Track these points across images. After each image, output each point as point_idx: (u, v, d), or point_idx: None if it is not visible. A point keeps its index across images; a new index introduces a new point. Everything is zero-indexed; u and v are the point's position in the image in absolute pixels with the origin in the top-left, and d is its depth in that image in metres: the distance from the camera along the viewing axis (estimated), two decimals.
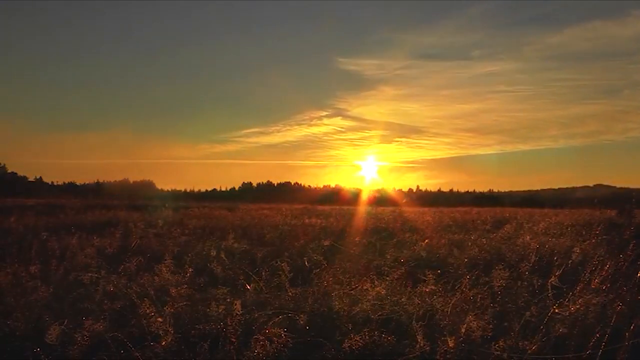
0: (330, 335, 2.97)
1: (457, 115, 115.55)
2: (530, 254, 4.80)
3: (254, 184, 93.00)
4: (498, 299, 3.49)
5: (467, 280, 3.75)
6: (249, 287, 4.08)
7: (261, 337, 2.65)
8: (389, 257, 5.60)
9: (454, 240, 7.11)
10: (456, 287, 3.71)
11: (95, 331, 2.74)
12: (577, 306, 2.92)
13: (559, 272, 3.68)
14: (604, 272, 3.70)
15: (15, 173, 71.22)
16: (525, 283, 3.84)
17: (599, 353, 2.45)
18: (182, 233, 7.97)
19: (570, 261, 4.50)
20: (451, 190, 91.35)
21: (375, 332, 2.80)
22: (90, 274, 4.06)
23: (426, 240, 6.95)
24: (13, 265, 4.43)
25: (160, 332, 2.70)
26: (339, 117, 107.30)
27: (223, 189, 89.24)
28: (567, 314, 2.88)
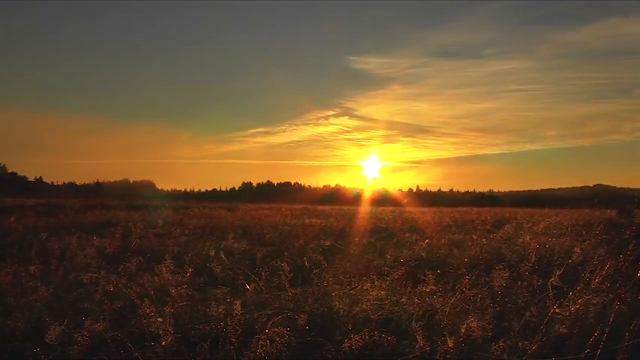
0: (330, 335, 2.97)
1: (465, 115, 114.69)
2: (530, 254, 4.80)
3: (254, 184, 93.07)
4: (498, 299, 3.49)
5: (467, 280, 3.75)
6: (249, 287, 4.08)
7: (262, 337, 2.65)
8: (389, 257, 5.60)
9: (454, 240, 7.11)
10: (456, 287, 3.71)
11: (95, 331, 2.74)
12: (577, 306, 2.92)
13: (559, 272, 3.68)
14: (604, 272, 3.70)
15: (15, 173, 71.32)
16: (525, 283, 3.84)
17: (599, 353, 2.45)
18: (182, 233, 7.97)
19: (570, 261, 4.50)
20: (451, 190, 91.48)
21: (375, 332, 2.80)
22: (90, 274, 4.06)
23: (426, 240, 6.95)
24: (13, 265, 4.43)
25: (160, 332, 2.70)
26: (346, 117, 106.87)
27: (223, 189, 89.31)
28: (567, 314, 2.88)
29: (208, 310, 3.15)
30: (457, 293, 3.51)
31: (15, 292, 3.71)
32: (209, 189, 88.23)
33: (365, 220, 12.13)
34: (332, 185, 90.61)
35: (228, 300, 3.38)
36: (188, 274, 4.24)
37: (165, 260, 4.28)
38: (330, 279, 4.13)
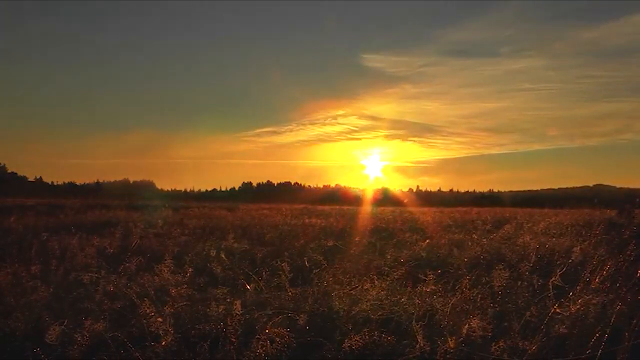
0: (330, 335, 2.97)
1: (475, 114, 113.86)
2: (531, 254, 4.80)
3: (254, 184, 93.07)
4: (498, 299, 3.48)
5: (467, 280, 3.75)
6: (249, 287, 4.08)
7: (262, 337, 2.65)
8: (389, 257, 5.60)
9: (454, 240, 7.11)
10: (456, 287, 3.71)
11: (95, 331, 2.74)
12: (577, 306, 2.92)
13: (559, 272, 3.68)
14: (604, 272, 3.70)
15: (15, 173, 71.38)
16: (526, 283, 3.84)
17: (599, 353, 2.44)
18: (182, 233, 7.97)
19: (570, 261, 4.49)
20: (451, 190, 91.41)
21: (375, 332, 2.80)
22: (90, 274, 4.06)
23: (426, 240, 6.95)
24: (13, 265, 4.43)
25: (160, 332, 2.70)
26: (355, 116, 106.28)
27: (223, 188, 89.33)
28: (567, 314, 2.88)
29: (208, 310, 3.15)
30: (457, 293, 3.51)
31: (15, 292, 3.71)
32: (209, 189, 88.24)
33: (366, 220, 12.13)
34: (332, 185, 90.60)
35: (228, 300, 3.38)
36: (188, 274, 4.24)
37: (165, 260, 4.28)
38: (330, 279, 4.13)
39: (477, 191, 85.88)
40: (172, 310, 3.03)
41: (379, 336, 2.78)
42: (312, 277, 4.24)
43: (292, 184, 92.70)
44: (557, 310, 2.91)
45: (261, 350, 2.57)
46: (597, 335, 2.52)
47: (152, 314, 2.85)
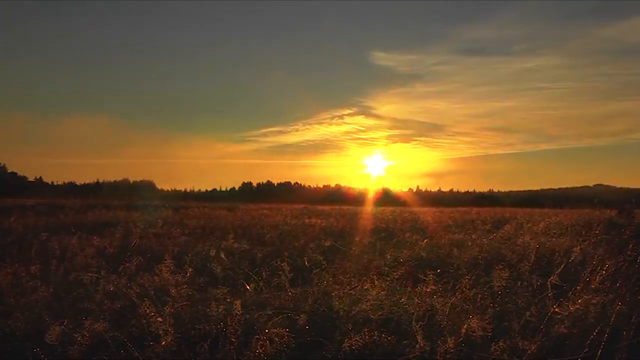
0: (330, 335, 2.97)
1: (484, 114, 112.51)
2: (530, 254, 4.80)
3: (254, 184, 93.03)
4: (498, 299, 3.49)
5: (467, 280, 3.75)
6: (249, 287, 4.08)
7: (262, 337, 2.65)
8: (389, 257, 5.60)
9: (454, 240, 7.11)
10: (456, 287, 3.71)
11: (95, 331, 2.74)
12: (577, 306, 2.92)
13: (559, 271, 3.68)
14: (604, 272, 3.70)
15: (15, 173, 71.34)
16: (525, 283, 3.84)
17: (599, 353, 2.45)
18: (182, 233, 7.97)
19: (570, 261, 4.49)
20: (451, 190, 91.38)
21: (375, 332, 2.80)
22: (90, 274, 4.06)
23: (426, 240, 6.95)
24: (13, 265, 4.43)
25: (160, 332, 2.70)
26: (362, 116, 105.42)
27: (223, 188, 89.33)
28: (567, 314, 2.88)
29: (208, 310, 3.15)
30: (457, 293, 3.51)
31: (15, 292, 3.71)
32: (209, 189, 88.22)
33: (365, 220, 12.13)
34: (332, 185, 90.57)
35: (228, 300, 3.38)
36: (188, 274, 4.24)
37: (165, 260, 4.28)
38: (330, 279, 4.13)
39: (477, 191, 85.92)
40: (172, 310, 3.03)
41: (379, 336, 2.78)
42: (312, 277, 4.24)
43: (292, 184, 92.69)
44: (557, 310, 2.92)
45: (261, 350, 2.57)
46: (597, 335, 2.52)
47: (152, 314, 2.85)
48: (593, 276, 3.68)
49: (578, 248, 4.84)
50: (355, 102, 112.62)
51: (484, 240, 6.77)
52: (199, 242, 6.89)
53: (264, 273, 4.24)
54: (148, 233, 7.74)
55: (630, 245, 4.37)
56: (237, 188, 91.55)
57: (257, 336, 2.68)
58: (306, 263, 4.91)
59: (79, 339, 2.63)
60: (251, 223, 10.53)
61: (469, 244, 6.62)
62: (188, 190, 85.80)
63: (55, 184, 78.36)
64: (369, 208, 22.53)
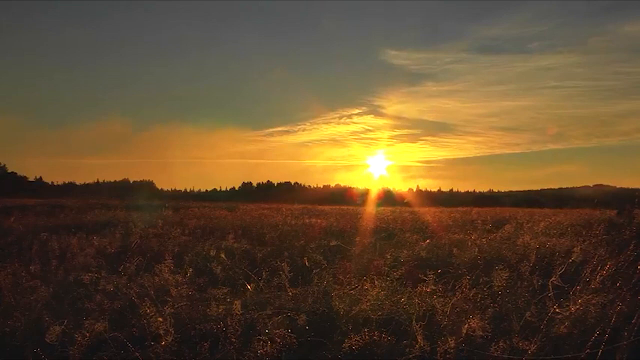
0: (330, 335, 2.97)
1: (493, 113, 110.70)
2: (530, 254, 4.80)
3: (254, 184, 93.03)
4: (498, 299, 3.49)
5: (467, 280, 3.75)
6: (249, 287, 4.08)
7: (262, 337, 2.65)
8: (389, 257, 5.59)
9: (454, 240, 7.10)
10: (456, 287, 3.71)
11: (95, 331, 2.74)
12: (577, 306, 2.92)
13: (559, 271, 3.68)
14: (604, 272, 3.70)
15: (15, 173, 71.40)
16: (525, 283, 3.84)
17: (599, 353, 2.44)
18: (182, 233, 7.97)
19: (570, 261, 4.49)
20: (451, 190, 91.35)
21: (375, 332, 2.80)
22: (90, 274, 4.06)
23: (426, 240, 6.95)
24: (13, 265, 4.43)
25: (160, 332, 2.70)
26: (371, 115, 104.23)
27: (223, 188, 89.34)
28: (567, 314, 2.88)
29: (208, 310, 3.15)
30: (457, 293, 3.51)
31: (15, 292, 3.71)
32: (209, 189, 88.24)
33: (366, 220, 12.12)
34: (332, 185, 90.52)
35: (228, 300, 3.38)
36: (188, 274, 4.24)
37: (165, 260, 4.28)
38: (330, 279, 4.13)
39: (477, 191, 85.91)
40: (172, 310, 3.03)
41: (379, 336, 2.78)
42: (312, 277, 4.24)
43: (292, 183, 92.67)
44: (557, 310, 2.92)
45: (261, 350, 2.57)
46: (597, 335, 2.52)
47: (152, 314, 2.86)
48: (593, 276, 3.67)
49: (578, 248, 4.84)
50: (365, 102, 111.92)
51: (484, 240, 6.77)
52: (199, 242, 6.89)
53: (264, 273, 4.24)
54: (148, 233, 7.74)
55: (630, 246, 4.37)
56: (237, 188, 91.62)
57: (258, 336, 2.68)
58: (306, 263, 4.91)
59: (79, 339, 2.63)
60: (251, 223, 10.53)
61: (469, 244, 6.61)
62: (188, 190, 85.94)
63: (55, 184, 78.52)
64: (369, 208, 22.53)
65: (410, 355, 2.63)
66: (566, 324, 2.80)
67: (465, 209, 19.90)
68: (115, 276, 4.15)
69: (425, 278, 3.77)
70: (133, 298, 3.39)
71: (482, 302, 3.39)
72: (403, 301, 3.42)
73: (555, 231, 7.92)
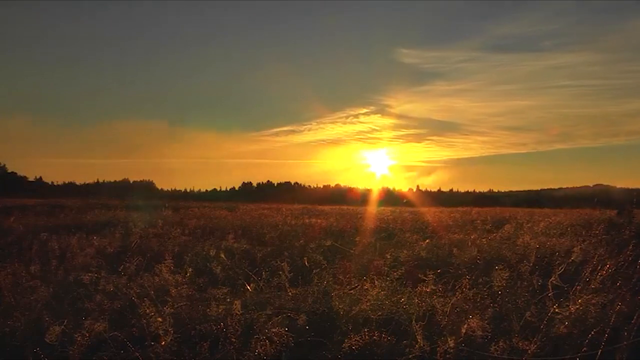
0: (330, 335, 2.97)
1: (502, 112, 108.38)
2: (530, 254, 4.80)
3: (254, 184, 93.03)
4: (498, 299, 3.49)
5: (467, 280, 3.75)
6: (249, 287, 4.08)
7: (262, 337, 2.65)
8: (389, 257, 5.59)
9: (454, 240, 7.10)
10: (456, 287, 3.71)
11: (95, 331, 2.74)
12: (577, 306, 2.92)
13: (559, 271, 3.68)
14: (603, 272, 3.70)
15: (15, 173, 71.41)
16: (525, 283, 3.84)
17: (599, 353, 2.45)
18: (182, 233, 7.97)
19: (570, 261, 4.49)
20: (451, 190, 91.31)
21: (375, 332, 2.80)
22: (90, 274, 4.06)
23: (426, 240, 6.95)
24: (13, 265, 4.43)
25: (160, 332, 2.70)
26: (378, 115, 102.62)
27: (223, 188, 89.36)
28: (567, 314, 2.88)
29: (208, 310, 3.15)
30: (457, 293, 3.51)
31: (15, 292, 3.71)
32: (209, 189, 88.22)
33: (365, 220, 12.12)
34: (332, 185, 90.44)
35: (228, 300, 3.38)
36: (188, 274, 4.24)
37: (165, 260, 4.28)
38: (330, 279, 4.13)
39: (477, 191, 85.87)
40: (172, 310, 3.03)
41: (379, 336, 2.78)
42: (312, 277, 4.24)
43: (292, 183, 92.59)
44: (557, 310, 2.92)
45: (261, 350, 2.58)
46: (597, 335, 2.52)
47: (152, 314, 2.86)
48: (593, 276, 3.68)
49: (578, 248, 4.84)
50: (373, 101, 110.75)
51: (484, 240, 6.77)
52: (199, 242, 6.89)
53: (264, 273, 4.25)
54: (148, 233, 7.74)
55: (630, 246, 4.37)
56: (237, 188, 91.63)
57: (257, 336, 2.68)
58: (306, 263, 4.91)
59: (79, 339, 2.63)
60: (251, 223, 10.52)
61: (469, 244, 6.61)
62: (188, 190, 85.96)
63: (55, 184, 78.55)
64: (369, 208, 22.54)
65: (410, 355, 2.63)
66: (566, 324, 2.80)
67: (465, 209, 19.88)
68: (115, 276, 4.15)
69: (425, 278, 3.77)
70: (133, 298, 3.39)
71: (482, 302, 3.39)
72: (403, 301, 3.42)
73: (555, 231, 7.92)
